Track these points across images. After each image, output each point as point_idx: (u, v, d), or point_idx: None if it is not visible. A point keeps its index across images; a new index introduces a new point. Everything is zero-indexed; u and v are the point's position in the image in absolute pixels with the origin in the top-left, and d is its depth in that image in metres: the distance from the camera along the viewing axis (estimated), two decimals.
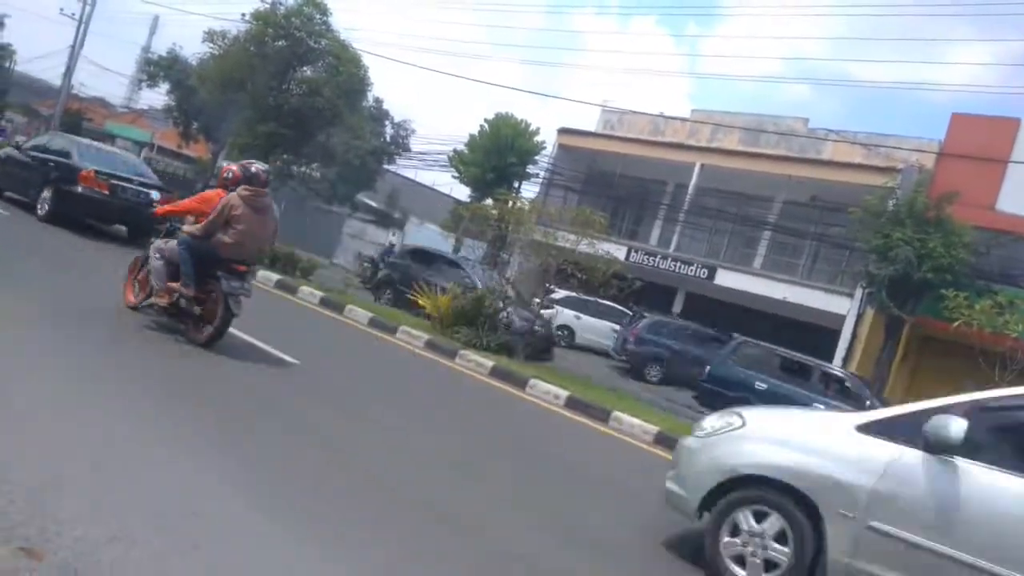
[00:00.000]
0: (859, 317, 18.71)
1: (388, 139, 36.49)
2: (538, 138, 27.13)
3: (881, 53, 57.77)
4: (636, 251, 23.52)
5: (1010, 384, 9.22)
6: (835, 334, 19.07)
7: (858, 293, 18.64)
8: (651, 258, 23.23)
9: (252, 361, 7.30)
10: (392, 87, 73.49)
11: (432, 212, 34.60)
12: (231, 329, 7.31)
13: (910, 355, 18.53)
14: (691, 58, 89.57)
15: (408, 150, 35.61)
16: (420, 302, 13.81)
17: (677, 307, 23.92)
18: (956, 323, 10.70)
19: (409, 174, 38.45)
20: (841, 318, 19.09)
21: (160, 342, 6.96)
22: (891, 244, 16.03)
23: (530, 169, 27.11)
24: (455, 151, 28.03)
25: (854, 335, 18.73)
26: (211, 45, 23.23)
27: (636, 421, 9.58)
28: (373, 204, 37.69)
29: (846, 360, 18.60)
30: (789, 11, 65.70)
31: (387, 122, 37.12)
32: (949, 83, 61.63)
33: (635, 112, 27.04)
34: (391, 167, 36.49)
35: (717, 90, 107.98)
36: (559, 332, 20.92)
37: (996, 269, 16.67)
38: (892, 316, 16.54)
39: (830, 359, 18.74)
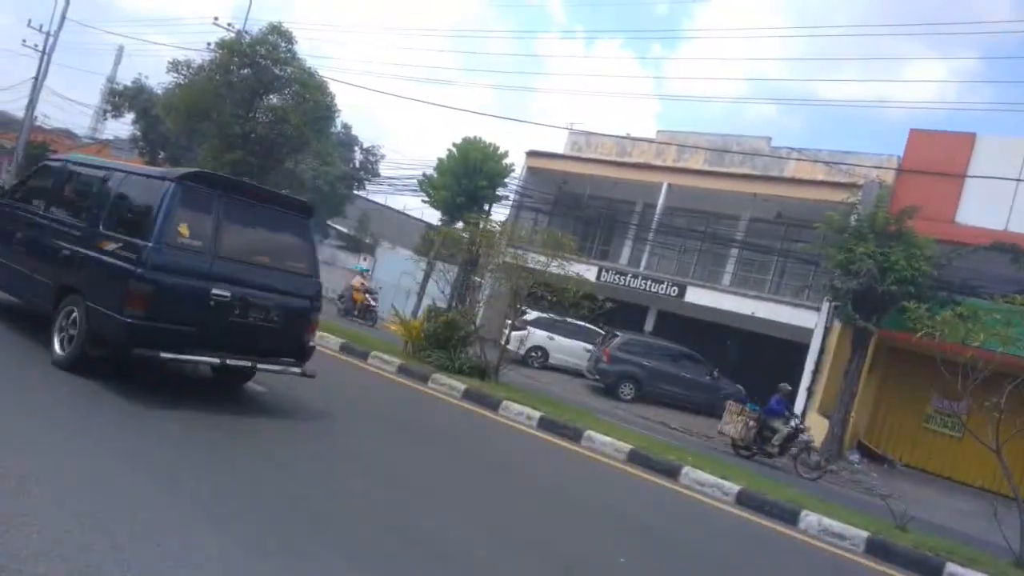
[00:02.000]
0: (827, 330, 18.96)
1: (357, 165, 36.50)
2: (507, 161, 27.25)
3: (841, 72, 59.17)
4: (607, 271, 23.67)
5: (974, 395, 9.41)
6: (804, 347, 19.31)
7: (825, 307, 18.91)
8: (622, 277, 23.39)
9: (217, 392, 7.23)
10: (360, 113, 73.69)
11: (403, 237, 34.61)
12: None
13: (877, 366, 18.80)
14: (656, 80, 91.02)
15: (378, 175, 35.62)
16: (392, 327, 13.78)
17: (649, 325, 24.07)
18: (919, 334, 10.87)
19: (379, 199, 38.45)
20: (809, 332, 19.34)
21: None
22: (854, 258, 16.30)
23: (500, 192, 27.20)
24: (424, 175, 28.08)
25: (822, 348, 18.97)
26: (176, 74, 23.10)
27: (608, 439, 9.61)
28: (344, 230, 37.58)
29: (815, 372, 18.83)
30: (750, 33, 67.14)
31: (356, 148, 37.15)
32: (907, 100, 63.21)
33: (602, 134, 27.35)
34: (361, 192, 36.45)
35: (682, 111, 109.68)
36: (532, 353, 20.96)
37: (957, 280, 17.01)
38: (858, 329, 16.78)
39: (800, 372, 18.99)
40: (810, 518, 7.92)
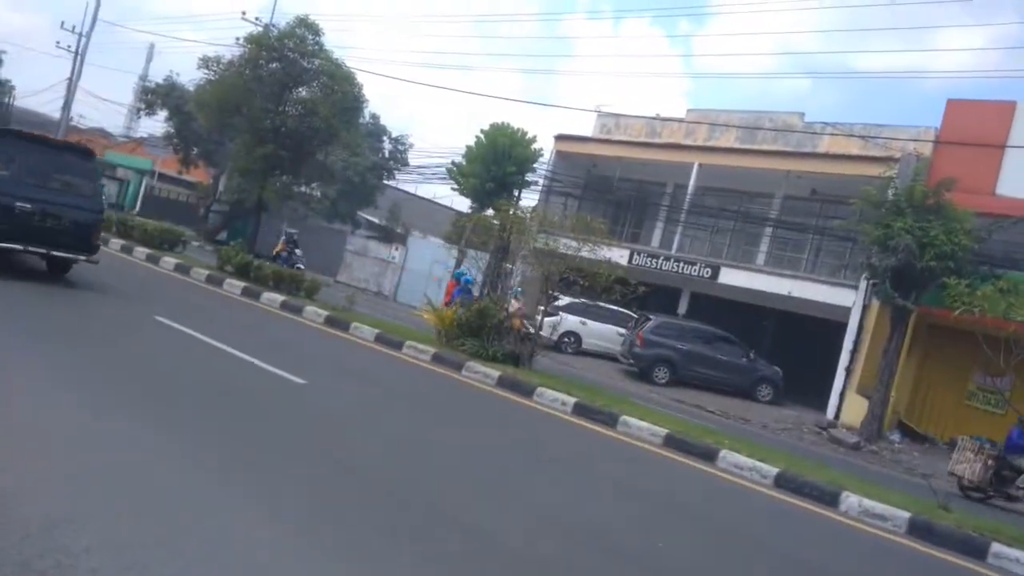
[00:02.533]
0: (864, 309, 18.66)
1: (386, 155, 36.66)
2: (535, 146, 27.20)
3: (874, 43, 57.79)
4: (639, 254, 23.53)
5: (1016, 370, 9.22)
6: (842, 327, 19.04)
7: (862, 285, 18.61)
8: (654, 260, 23.24)
9: (258, 383, 7.37)
10: (388, 103, 73.95)
11: (434, 225, 34.74)
12: (237, 352, 7.38)
13: (917, 344, 18.47)
14: (685, 58, 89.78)
15: (407, 164, 35.76)
16: (424, 315, 13.88)
17: (682, 308, 23.91)
18: (958, 310, 10.67)
19: (409, 188, 38.63)
20: (847, 311, 19.06)
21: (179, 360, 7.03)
22: (892, 234, 15.99)
23: (529, 177, 27.17)
24: (453, 163, 28.14)
25: (860, 327, 18.68)
26: (207, 71, 23.36)
27: (644, 424, 9.60)
28: (375, 220, 37.85)
29: (854, 352, 18.56)
30: (780, 6, 65.85)
31: (384, 138, 37.29)
32: (944, 70, 61.62)
33: (631, 115, 27.11)
34: (391, 182, 36.62)
35: (712, 89, 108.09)
36: (565, 339, 20.96)
37: (999, 254, 16.61)
38: (897, 306, 16.48)
39: (838, 351, 18.73)
40: (851, 499, 7.83)
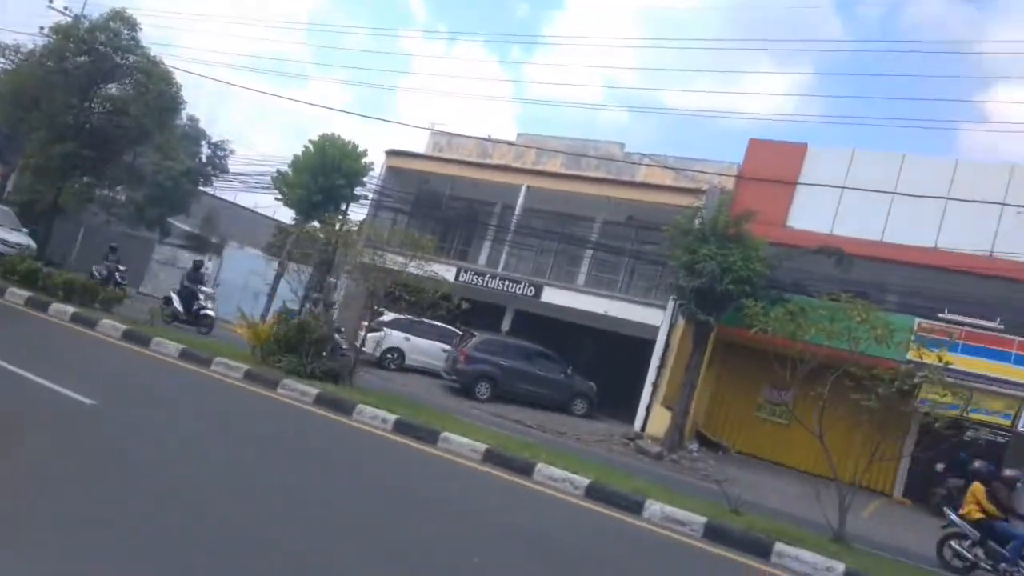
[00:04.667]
0: (671, 327, 19.95)
1: (204, 160, 34.62)
2: (366, 159, 26.70)
3: (688, 83, 62.55)
4: (466, 271, 23.76)
5: (800, 385, 10.19)
6: (651, 344, 20.21)
7: (670, 305, 19.88)
8: (480, 278, 23.55)
9: (39, 404, 6.61)
10: (210, 106, 69.90)
11: (253, 236, 33.08)
12: (14, 368, 6.58)
13: (715, 360, 19.99)
14: (516, 84, 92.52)
15: (226, 171, 33.94)
16: (238, 330, 13.16)
17: (506, 325, 24.37)
18: (753, 330, 11.65)
19: (228, 196, 36.58)
20: (656, 329, 20.27)
21: None
22: (698, 259, 17.26)
23: (358, 191, 26.62)
24: (278, 172, 27.00)
25: (667, 344, 19.94)
26: (2, 59, 21.07)
27: (465, 440, 9.61)
28: (187, 228, 35.46)
29: (660, 367, 19.76)
30: (606, 42, 69.67)
31: (203, 142, 35.23)
32: (748, 111, 67.82)
33: (463, 135, 27.43)
34: (207, 189, 34.58)
35: (541, 115, 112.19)
36: (389, 355, 20.68)
37: (788, 280, 18.41)
38: (699, 325, 17.80)
39: (647, 367, 19.86)
40: (654, 507, 8.27)
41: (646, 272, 23.36)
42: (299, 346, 12.30)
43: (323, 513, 5.64)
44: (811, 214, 19.53)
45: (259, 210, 37.38)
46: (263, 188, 28.23)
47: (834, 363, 10.01)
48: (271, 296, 19.71)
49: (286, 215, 29.61)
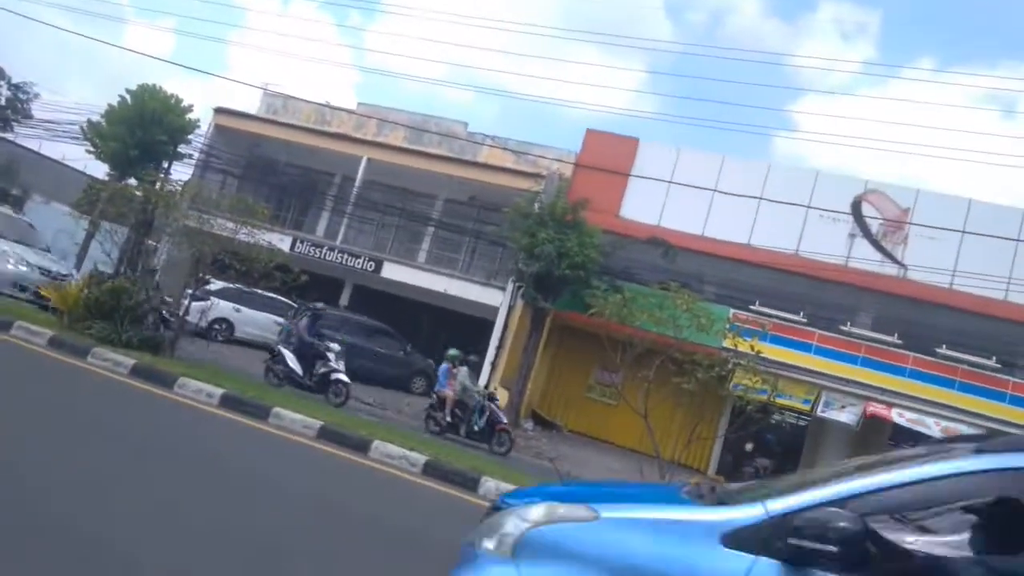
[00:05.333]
0: (510, 309, 20.35)
1: (3, 102, 30.79)
2: (191, 116, 24.81)
3: (531, 68, 63.67)
4: (302, 242, 22.85)
5: (629, 368, 10.71)
6: (491, 324, 20.51)
7: (509, 287, 20.26)
8: (318, 250, 22.75)
9: None
10: (12, 44, 62.02)
11: (61, 191, 29.88)
12: None
13: (551, 343, 20.66)
14: (355, 50, 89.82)
15: (30, 116, 30.35)
16: (43, 292, 11.88)
17: (344, 299, 23.75)
18: (590, 312, 12.11)
19: (32, 144, 32.76)
20: (496, 310, 20.58)
21: None
22: (536, 243, 17.68)
23: (182, 149, 24.72)
24: (90, 121, 24.49)
25: (506, 325, 20.32)
26: None
27: (298, 416, 9.26)
28: None
29: (499, 348, 20.11)
30: (451, 18, 69.27)
31: (1, 82, 31.28)
32: (586, 102, 70.29)
33: (300, 99, 26.24)
34: (7, 135, 30.81)
35: (382, 85, 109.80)
36: (216, 326, 19.49)
37: (619, 267, 19.33)
38: (537, 308, 18.28)
39: (486, 346, 20.13)
40: (489, 483, 8.39)
41: (487, 252, 23.60)
42: (113, 312, 11.28)
43: (136, 496, 5.19)
44: (641, 206, 20.59)
45: (68, 162, 33.73)
46: (73, 138, 25.51)
47: (659, 348, 10.60)
48: (81, 257, 17.85)
49: (99, 170, 26.99)
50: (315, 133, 24.46)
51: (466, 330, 21.28)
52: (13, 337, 10.02)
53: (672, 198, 20.41)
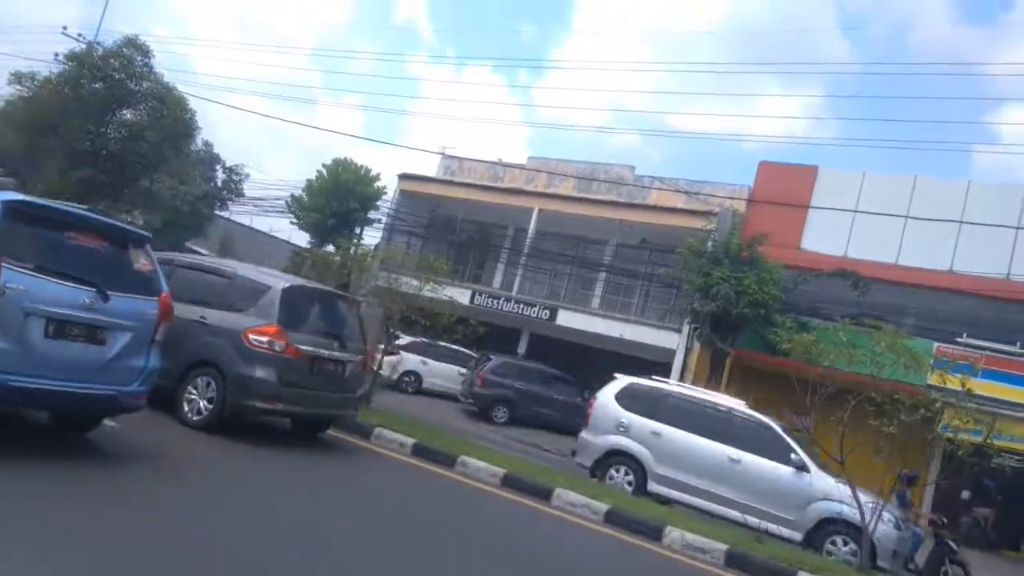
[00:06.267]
0: (687, 351, 19.92)
1: (219, 184, 34.97)
2: (379, 183, 27.03)
3: (698, 106, 62.91)
4: (480, 294, 23.83)
5: (819, 409, 10.11)
6: (668, 367, 20.17)
7: (685, 328, 19.87)
8: (495, 301, 23.62)
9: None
10: (225, 132, 70.91)
11: (269, 259, 33.29)
12: None
13: (733, 384, 19.86)
14: (525, 107, 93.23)
15: (242, 195, 34.26)
16: None
17: (522, 348, 24.39)
18: (782, 349, 11.62)
19: (244, 220, 36.94)
20: (672, 352, 20.23)
21: None
22: (712, 282, 17.27)
23: (372, 214, 26.90)
24: (293, 196, 27.31)
25: (684, 367, 19.89)
26: (19, 87, 21.43)
27: (482, 464, 9.57)
28: (204, 252, 35.78)
29: None
30: (615, 65, 70.21)
31: (218, 166, 35.61)
32: (758, 134, 68.13)
33: (474, 159, 27.68)
34: (223, 213, 34.92)
35: (550, 138, 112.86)
36: (406, 378, 20.68)
37: (804, 303, 18.37)
38: (716, 349, 17.74)
39: None
40: (673, 534, 8.19)
41: (660, 295, 23.36)
42: None
43: (336, 543, 5.63)
44: (824, 237, 19.53)
45: (275, 234, 37.73)
46: (278, 212, 28.52)
47: (854, 388, 9.94)
48: None
49: (301, 239, 29.88)
50: (489, 190, 25.62)
51: (644, 374, 21.00)
52: None
53: (859, 226, 19.21)
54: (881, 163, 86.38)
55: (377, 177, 26.91)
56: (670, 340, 20.48)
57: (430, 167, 28.51)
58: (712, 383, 17.91)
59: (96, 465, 5.92)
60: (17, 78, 21.25)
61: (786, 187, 20.14)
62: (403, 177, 27.11)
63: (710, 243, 18.40)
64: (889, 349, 9.82)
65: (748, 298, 16.91)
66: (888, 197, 18.73)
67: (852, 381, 10.23)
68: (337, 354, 8.67)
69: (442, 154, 27.91)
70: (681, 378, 19.78)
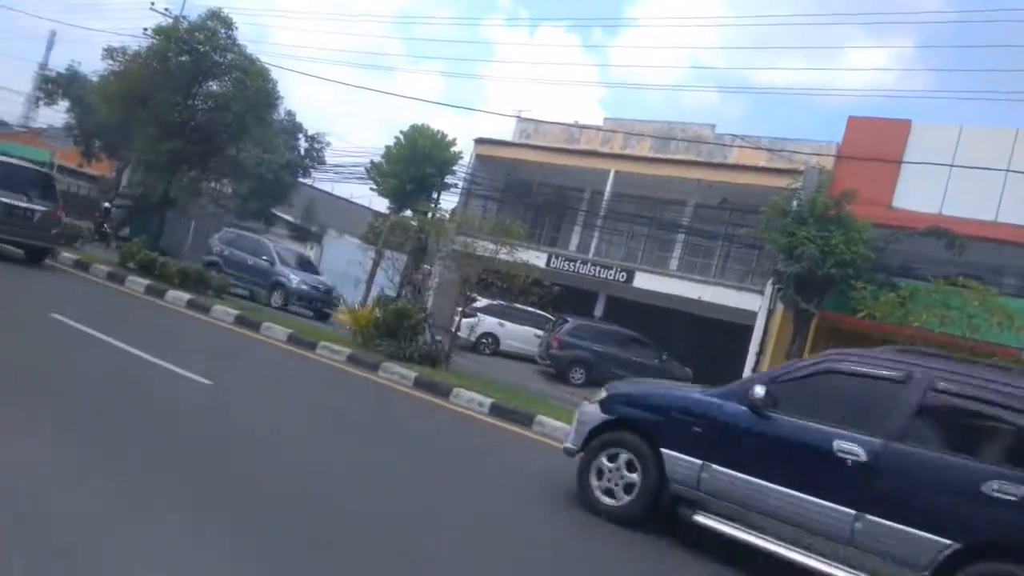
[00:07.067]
0: (770, 313, 19.41)
1: (302, 152, 35.86)
2: (455, 148, 27.13)
3: (780, 60, 60.38)
4: (557, 257, 23.81)
5: None
6: (749, 330, 19.75)
7: (768, 290, 19.36)
8: (571, 263, 23.56)
9: (161, 385, 7.06)
10: (306, 100, 72.42)
11: (351, 225, 34.14)
12: (139, 352, 7.05)
13: (818, 347, 19.30)
14: (600, 67, 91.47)
15: (323, 163, 35.07)
16: (340, 316, 13.62)
17: (598, 310, 24.31)
18: (861, 314, 11.22)
19: (326, 187, 37.87)
20: (753, 314, 19.77)
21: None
22: (796, 242, 16.72)
23: (449, 179, 27.10)
24: (372, 163, 27.77)
25: (766, 330, 19.42)
26: (111, 61, 22.39)
27: (559, 424, 9.66)
28: (289, 219, 36.93)
29: (759, 354, 19.26)
30: (692, 21, 67.97)
31: (300, 135, 36.49)
32: (845, 87, 64.72)
33: (550, 122, 27.43)
34: (306, 180, 35.85)
35: (627, 98, 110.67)
36: (483, 340, 20.97)
37: (894, 263, 17.60)
38: (800, 311, 17.23)
39: (745, 353, 19.41)
40: None
41: (741, 256, 22.81)
42: (397, 331, 12.65)
43: (435, 505, 5.81)
44: (918, 194, 18.56)
45: (355, 200, 38.57)
46: (358, 179, 29.10)
47: (947, 350, 9.52)
48: (369, 283, 20.29)
49: (381, 204, 30.44)
50: (565, 152, 25.40)
51: (723, 336, 20.70)
52: (319, 355, 11.66)
53: (955, 182, 18.15)
54: (978, 116, 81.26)
55: (454, 142, 27.06)
56: (751, 302, 20.02)
57: (506, 131, 28.47)
58: (796, 344, 17.47)
59: None
60: (109, 53, 22.18)
61: (877, 143, 19.18)
62: (479, 142, 27.13)
63: (795, 202, 17.78)
64: (982, 307, 9.37)
65: (835, 258, 16.32)
66: (987, 151, 17.59)
67: (945, 343, 9.81)
68: (24, 204, 12.98)
69: (518, 117, 27.77)
70: (763, 341, 19.40)
